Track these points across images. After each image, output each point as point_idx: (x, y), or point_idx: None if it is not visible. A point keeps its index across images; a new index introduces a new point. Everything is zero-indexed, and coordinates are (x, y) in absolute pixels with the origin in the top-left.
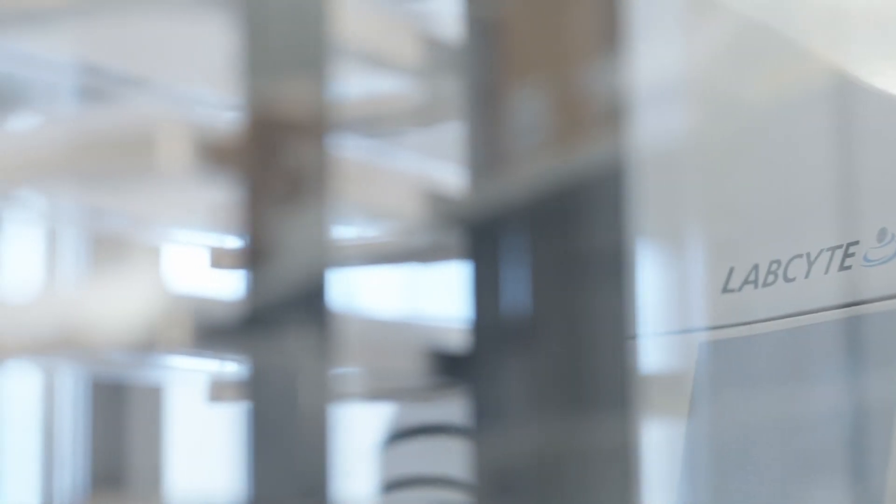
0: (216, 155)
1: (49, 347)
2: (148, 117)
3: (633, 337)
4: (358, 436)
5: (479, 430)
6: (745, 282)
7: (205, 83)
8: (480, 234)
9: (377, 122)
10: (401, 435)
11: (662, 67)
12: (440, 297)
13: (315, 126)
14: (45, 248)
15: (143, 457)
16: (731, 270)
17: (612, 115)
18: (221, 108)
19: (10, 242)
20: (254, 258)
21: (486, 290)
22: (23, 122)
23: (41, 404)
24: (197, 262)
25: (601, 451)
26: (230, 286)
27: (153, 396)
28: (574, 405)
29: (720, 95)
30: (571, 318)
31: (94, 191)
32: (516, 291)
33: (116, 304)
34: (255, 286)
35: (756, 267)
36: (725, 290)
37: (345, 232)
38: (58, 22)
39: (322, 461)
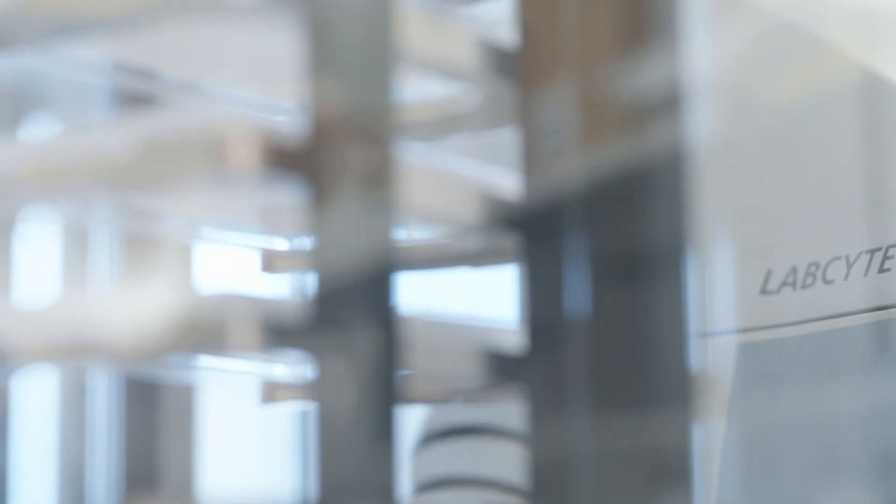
0: (281, 159)
1: (90, 350)
2: (214, 122)
3: (692, 334)
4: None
5: (536, 430)
6: (784, 284)
7: (270, 88)
8: (537, 236)
9: (433, 126)
10: (437, 435)
11: (692, 67)
12: (497, 299)
13: (378, 130)
14: (105, 251)
15: (177, 458)
16: (769, 272)
17: (665, 110)
18: (286, 113)
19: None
20: (318, 260)
21: (542, 291)
22: (88, 127)
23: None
24: (259, 264)
25: (661, 449)
26: (294, 288)
27: (188, 397)
28: (634, 404)
29: (748, 95)
30: (630, 317)
31: (158, 194)
32: (574, 291)
33: (168, 306)
34: (319, 288)
35: (794, 269)
36: (763, 291)
37: (404, 235)
38: (125, 29)
39: (387, 462)
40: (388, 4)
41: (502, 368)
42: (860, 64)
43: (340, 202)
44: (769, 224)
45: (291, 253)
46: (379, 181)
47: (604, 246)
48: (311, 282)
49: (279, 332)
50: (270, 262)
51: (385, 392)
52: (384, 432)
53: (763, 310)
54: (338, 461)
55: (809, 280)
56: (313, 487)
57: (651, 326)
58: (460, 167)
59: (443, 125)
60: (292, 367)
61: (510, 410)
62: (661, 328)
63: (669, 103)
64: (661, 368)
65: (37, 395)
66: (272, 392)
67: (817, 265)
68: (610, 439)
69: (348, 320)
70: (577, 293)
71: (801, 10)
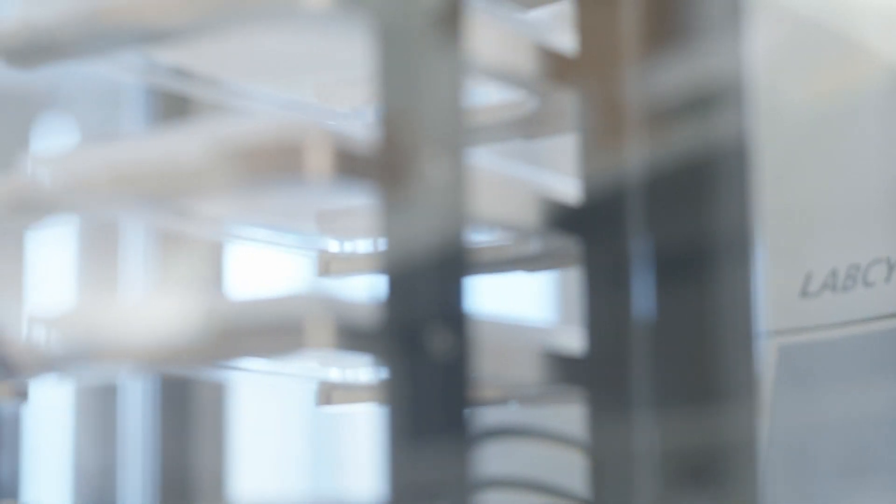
0: (352, 164)
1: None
2: (287, 128)
3: (756, 332)
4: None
5: (598, 433)
6: (824, 286)
7: (341, 94)
8: (597, 238)
9: (492, 131)
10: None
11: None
12: (557, 301)
13: (447, 136)
14: (172, 254)
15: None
16: (809, 275)
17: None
18: (357, 119)
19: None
20: (388, 264)
21: (604, 293)
22: (164, 134)
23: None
24: (315, 267)
25: (727, 448)
26: (366, 291)
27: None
28: (699, 403)
29: (778, 96)
30: (695, 316)
31: (234, 198)
32: (637, 293)
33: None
34: (389, 291)
35: (834, 271)
36: (803, 294)
37: (472, 239)
38: (200, 37)
39: (460, 462)
40: (457, 10)
41: (563, 371)
42: (890, 63)
43: (411, 206)
44: (806, 226)
45: (348, 256)
46: (449, 186)
47: (667, 245)
48: (381, 285)
49: (353, 335)
50: (326, 264)
51: (457, 394)
52: (457, 434)
53: (803, 312)
54: (410, 463)
55: (850, 282)
56: (382, 490)
57: (716, 325)
58: (520, 172)
59: (501, 130)
60: (352, 369)
61: (568, 414)
62: (727, 326)
63: (728, 97)
64: (727, 368)
65: (81, 398)
66: (329, 394)
67: (857, 267)
68: (674, 440)
69: (420, 323)
70: (640, 294)
71: (830, 10)
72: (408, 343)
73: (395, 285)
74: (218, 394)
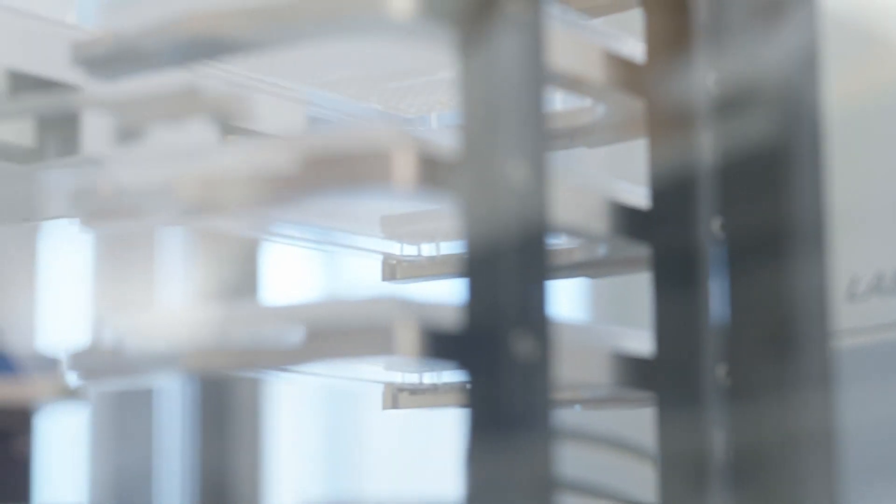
0: (437, 171)
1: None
2: (373, 136)
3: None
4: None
5: (669, 436)
6: (871, 289)
7: (424, 103)
8: (668, 242)
9: (563, 137)
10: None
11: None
12: (628, 306)
13: (528, 143)
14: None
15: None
16: (854, 278)
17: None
18: (441, 127)
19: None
20: (470, 268)
21: (675, 296)
22: (254, 142)
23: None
24: (381, 272)
25: (806, 444)
26: (448, 295)
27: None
28: (777, 398)
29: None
30: (771, 311)
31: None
32: (709, 295)
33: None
34: (471, 296)
35: (881, 275)
36: (849, 297)
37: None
38: (284, 48)
39: (544, 464)
40: (538, 19)
41: (633, 373)
42: None
43: (493, 211)
44: (848, 230)
45: (414, 260)
46: (530, 191)
47: (741, 241)
48: (462, 288)
49: (437, 338)
50: (392, 269)
51: (539, 397)
52: (539, 436)
53: (849, 315)
54: (495, 465)
55: None
56: (464, 491)
57: (793, 320)
58: (591, 178)
59: (572, 136)
60: (420, 373)
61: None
62: (803, 321)
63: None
64: (805, 362)
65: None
66: (395, 398)
67: None
68: (749, 437)
69: (503, 326)
70: (711, 296)
71: (859, 10)
72: (491, 346)
73: (476, 289)
74: (255, 396)
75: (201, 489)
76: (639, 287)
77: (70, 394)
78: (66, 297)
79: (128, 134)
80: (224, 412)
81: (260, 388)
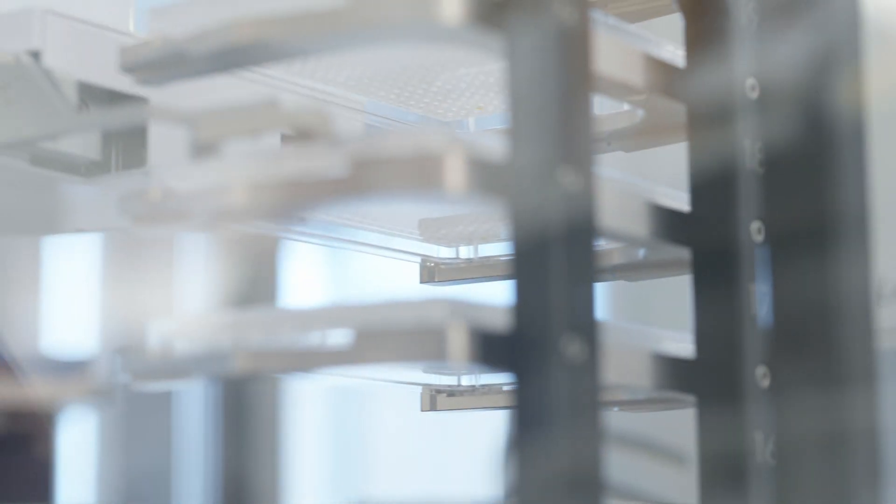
0: (485, 176)
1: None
2: (422, 140)
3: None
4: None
5: (709, 435)
6: None
7: (464, 110)
8: (709, 246)
9: (603, 141)
10: None
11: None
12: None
13: (578, 149)
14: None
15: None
16: (882, 281)
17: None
18: (490, 132)
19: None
20: (519, 272)
21: (718, 298)
22: (298, 146)
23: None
24: (433, 274)
25: (849, 444)
26: (489, 297)
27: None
28: (819, 399)
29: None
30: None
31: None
32: (750, 297)
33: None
34: (518, 299)
35: None
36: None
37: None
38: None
39: (593, 467)
40: (585, 25)
41: (675, 375)
42: None
43: (543, 215)
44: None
45: (453, 263)
46: (579, 194)
47: (784, 236)
48: (511, 292)
49: (487, 340)
50: (431, 272)
51: (588, 399)
52: (590, 438)
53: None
54: (543, 468)
55: None
56: (505, 492)
57: (838, 314)
58: (632, 181)
59: (609, 140)
60: (459, 375)
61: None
62: (848, 315)
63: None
64: (847, 367)
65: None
66: (434, 399)
67: None
68: (793, 440)
69: (553, 329)
70: (753, 298)
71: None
72: (541, 349)
73: (526, 291)
74: (274, 397)
75: (221, 490)
76: (655, 289)
77: (98, 395)
78: (90, 301)
79: (202, 148)
80: (244, 413)
81: (279, 388)
